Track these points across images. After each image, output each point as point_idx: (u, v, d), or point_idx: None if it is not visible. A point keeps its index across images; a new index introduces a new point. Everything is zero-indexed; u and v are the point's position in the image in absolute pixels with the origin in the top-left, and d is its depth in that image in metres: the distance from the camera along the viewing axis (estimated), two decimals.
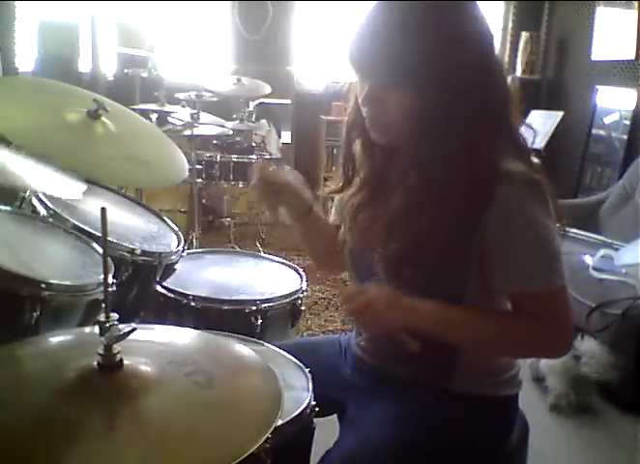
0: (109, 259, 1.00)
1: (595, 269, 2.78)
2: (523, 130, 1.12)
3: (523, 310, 1.09)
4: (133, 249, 1.41)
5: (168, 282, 1.61)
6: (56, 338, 0.98)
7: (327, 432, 1.21)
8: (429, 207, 1.05)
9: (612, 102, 4.17)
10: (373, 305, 1.05)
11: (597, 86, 4.29)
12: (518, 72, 5.07)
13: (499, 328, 1.10)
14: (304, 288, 1.76)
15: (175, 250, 1.57)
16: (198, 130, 3.47)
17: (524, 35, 5.03)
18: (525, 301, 1.08)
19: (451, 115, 1.02)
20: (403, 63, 1.01)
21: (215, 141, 4.00)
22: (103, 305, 0.82)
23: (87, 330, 0.99)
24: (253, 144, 4.06)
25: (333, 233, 1.33)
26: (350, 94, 1.18)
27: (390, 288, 1.07)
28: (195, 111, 3.39)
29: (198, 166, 3.59)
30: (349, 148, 1.22)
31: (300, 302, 1.74)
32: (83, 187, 0.96)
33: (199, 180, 3.62)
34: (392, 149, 1.14)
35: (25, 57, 4.39)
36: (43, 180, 1.07)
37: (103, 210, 0.82)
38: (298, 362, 1.24)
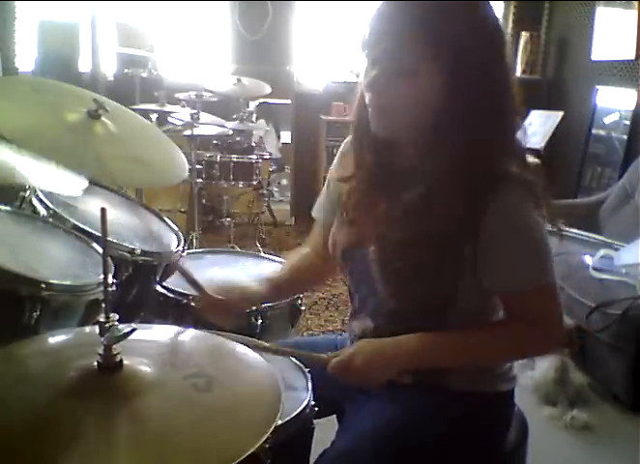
0: (109, 259, 0.99)
1: (595, 269, 2.77)
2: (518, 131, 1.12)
3: (513, 311, 1.12)
4: (133, 249, 1.41)
5: (168, 282, 1.61)
6: (56, 338, 0.97)
7: (327, 432, 1.21)
8: (428, 205, 1.06)
9: (612, 102, 4.17)
10: (359, 373, 1.10)
11: (597, 86, 4.28)
12: (518, 72, 5.06)
13: (487, 344, 1.12)
14: None
15: (175, 250, 1.57)
16: (198, 130, 3.47)
17: (524, 35, 5.03)
18: (514, 301, 1.10)
19: (455, 107, 1.02)
20: (417, 47, 1.00)
21: (215, 141, 4.00)
22: (103, 305, 0.82)
23: (87, 330, 0.99)
24: (253, 144, 4.06)
25: (305, 266, 1.40)
26: (355, 93, 1.16)
27: (369, 345, 1.12)
28: (195, 111, 3.39)
29: (198, 166, 3.59)
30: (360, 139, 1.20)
31: (300, 302, 1.74)
32: (84, 183, 0.95)
33: (199, 180, 3.62)
34: (392, 146, 1.14)
35: (25, 57, 4.38)
36: (42, 176, 1.07)
37: (103, 210, 0.82)
38: (297, 362, 1.24)
